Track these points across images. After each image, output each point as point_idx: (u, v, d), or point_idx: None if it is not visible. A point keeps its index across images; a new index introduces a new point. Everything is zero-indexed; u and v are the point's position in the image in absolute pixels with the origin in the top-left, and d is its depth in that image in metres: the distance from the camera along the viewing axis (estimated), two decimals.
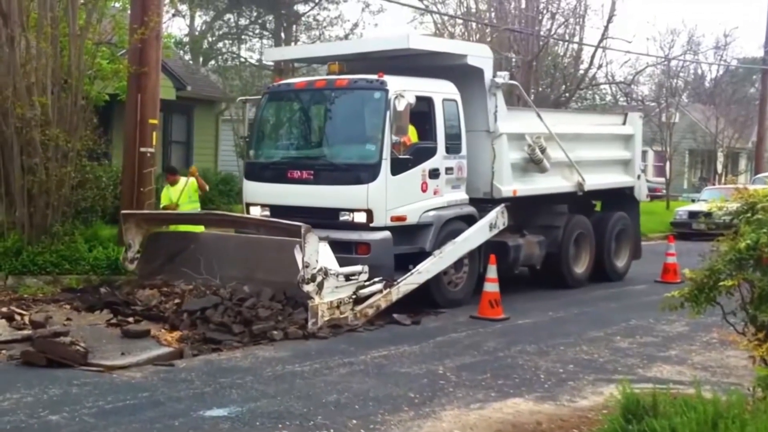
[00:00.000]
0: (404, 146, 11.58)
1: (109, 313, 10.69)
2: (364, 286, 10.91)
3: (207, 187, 14.47)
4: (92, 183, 14.24)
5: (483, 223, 12.65)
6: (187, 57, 32.22)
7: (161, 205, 13.91)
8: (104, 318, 10.51)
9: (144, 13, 13.91)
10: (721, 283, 6.19)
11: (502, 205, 13.01)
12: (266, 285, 10.94)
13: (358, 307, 10.81)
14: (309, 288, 10.25)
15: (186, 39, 33.07)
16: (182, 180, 13.97)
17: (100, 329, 9.98)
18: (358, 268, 10.90)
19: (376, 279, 11.08)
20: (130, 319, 10.28)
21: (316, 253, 10.36)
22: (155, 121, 14.23)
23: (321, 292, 10.34)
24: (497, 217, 12.83)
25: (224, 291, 10.87)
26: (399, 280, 11.30)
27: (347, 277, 10.71)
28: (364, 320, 10.81)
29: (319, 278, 10.30)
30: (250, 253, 11.65)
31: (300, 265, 10.28)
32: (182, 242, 12.44)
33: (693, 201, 30.15)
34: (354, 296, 10.79)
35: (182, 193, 13.69)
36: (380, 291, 11.04)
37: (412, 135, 11.88)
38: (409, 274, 11.45)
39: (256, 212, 12.68)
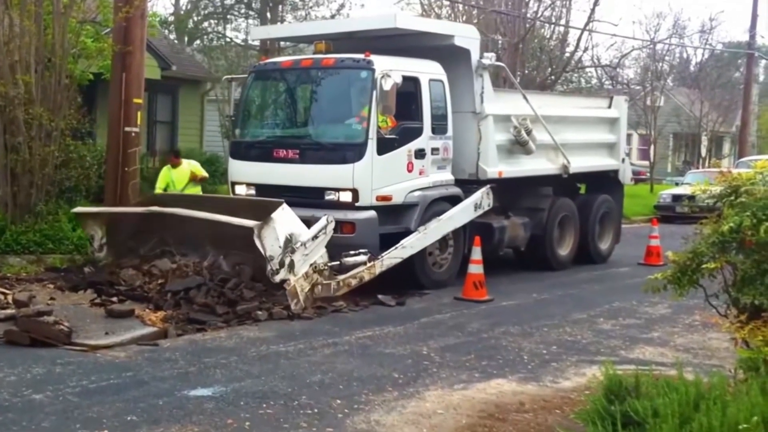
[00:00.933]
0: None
1: (93, 293, 10.67)
2: (348, 255, 10.91)
3: (207, 176, 14.71)
4: (76, 162, 14.16)
5: (468, 203, 12.68)
6: (173, 36, 32.03)
7: (159, 186, 14.06)
8: (88, 298, 10.49)
9: None
10: (704, 266, 6.22)
11: (488, 186, 13.04)
12: (231, 256, 10.97)
13: (341, 277, 10.79)
14: (281, 276, 10.19)
15: (171, 18, 32.86)
16: (185, 163, 14.24)
17: (84, 309, 9.96)
18: (322, 222, 10.76)
19: (361, 250, 11.08)
20: (114, 299, 10.26)
21: (277, 240, 10.22)
22: (140, 101, 14.14)
23: (294, 269, 10.26)
24: (482, 197, 12.87)
25: (206, 271, 10.84)
26: (383, 254, 11.32)
27: (314, 237, 10.58)
28: (346, 290, 10.81)
29: (287, 260, 10.22)
30: (216, 226, 11.30)
31: (265, 257, 10.18)
32: (146, 222, 12.20)
33: (677, 184, 30.28)
34: (339, 264, 10.76)
35: (188, 179, 13.98)
36: (364, 263, 11.05)
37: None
38: (393, 248, 11.47)
39: (241, 191, 12.69)
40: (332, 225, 10.81)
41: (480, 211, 12.85)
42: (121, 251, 12.17)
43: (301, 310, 10.12)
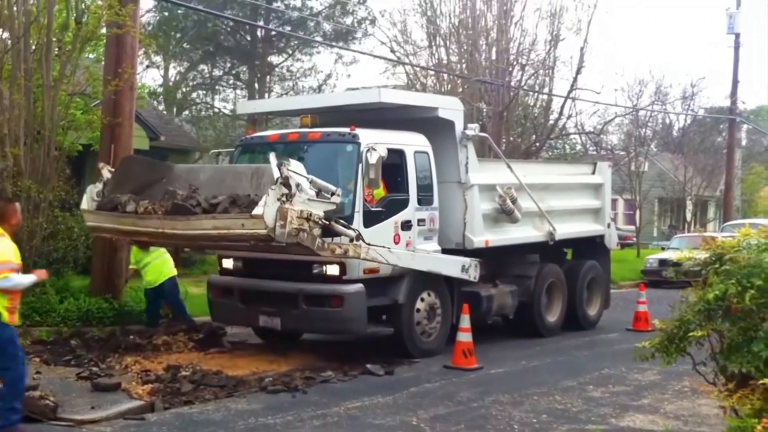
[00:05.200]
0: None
1: (78, 367, 10.59)
2: (339, 222, 10.79)
3: None
4: (64, 234, 14.19)
5: (457, 258, 12.68)
6: (161, 107, 32.32)
7: (132, 261, 13.56)
8: (74, 371, 10.42)
9: (118, 64, 13.97)
10: (691, 334, 6.26)
11: (477, 260, 12.96)
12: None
13: (328, 240, 10.59)
14: (282, 191, 10.03)
15: (160, 89, 33.21)
16: None
17: (69, 382, 9.90)
18: (331, 187, 10.65)
19: (353, 226, 11.03)
20: (100, 372, 10.19)
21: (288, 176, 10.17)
22: None
23: (291, 199, 10.05)
24: (470, 266, 12.82)
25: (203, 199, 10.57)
26: (372, 244, 11.19)
27: (318, 192, 10.47)
28: (329, 254, 10.65)
29: (292, 186, 10.04)
30: (223, 182, 11.23)
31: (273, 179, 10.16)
32: (154, 173, 11.88)
33: (663, 249, 30.40)
34: (325, 221, 10.48)
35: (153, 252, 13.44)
36: (352, 239, 10.91)
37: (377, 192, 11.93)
38: (381, 246, 11.36)
39: (228, 265, 12.54)
40: (337, 199, 10.63)
41: (466, 276, 12.78)
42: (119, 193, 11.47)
43: (285, 236, 9.93)
